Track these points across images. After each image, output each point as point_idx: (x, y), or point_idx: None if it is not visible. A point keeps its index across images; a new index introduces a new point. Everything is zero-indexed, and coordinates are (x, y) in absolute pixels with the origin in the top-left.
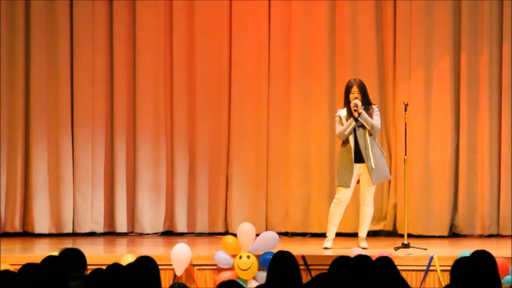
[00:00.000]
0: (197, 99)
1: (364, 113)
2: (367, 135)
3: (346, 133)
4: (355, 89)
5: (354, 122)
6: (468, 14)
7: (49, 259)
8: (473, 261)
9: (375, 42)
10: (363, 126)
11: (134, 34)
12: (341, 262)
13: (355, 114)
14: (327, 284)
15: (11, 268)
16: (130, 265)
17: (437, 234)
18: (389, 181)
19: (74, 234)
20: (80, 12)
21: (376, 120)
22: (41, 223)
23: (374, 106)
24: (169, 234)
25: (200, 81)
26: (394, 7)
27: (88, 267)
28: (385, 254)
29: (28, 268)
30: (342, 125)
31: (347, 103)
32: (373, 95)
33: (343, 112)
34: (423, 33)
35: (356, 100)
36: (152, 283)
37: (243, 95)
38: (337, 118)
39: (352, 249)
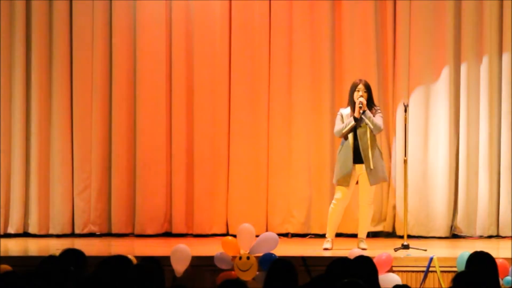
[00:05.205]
0: (197, 99)
1: (368, 112)
2: (368, 135)
3: (344, 131)
4: (361, 87)
5: (354, 122)
6: (468, 14)
7: (50, 260)
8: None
9: (375, 42)
10: (364, 126)
11: (134, 34)
12: (337, 263)
13: (359, 112)
14: (324, 285)
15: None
16: (135, 265)
17: (437, 235)
18: (389, 182)
19: (73, 235)
20: (79, 12)
21: (379, 120)
22: (41, 224)
23: (377, 108)
24: (169, 235)
25: (200, 81)
26: (394, 7)
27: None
28: (384, 255)
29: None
30: (343, 123)
31: (351, 102)
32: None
33: (345, 111)
34: (423, 33)
35: (361, 98)
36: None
37: (243, 95)
38: (338, 116)
39: (351, 250)
